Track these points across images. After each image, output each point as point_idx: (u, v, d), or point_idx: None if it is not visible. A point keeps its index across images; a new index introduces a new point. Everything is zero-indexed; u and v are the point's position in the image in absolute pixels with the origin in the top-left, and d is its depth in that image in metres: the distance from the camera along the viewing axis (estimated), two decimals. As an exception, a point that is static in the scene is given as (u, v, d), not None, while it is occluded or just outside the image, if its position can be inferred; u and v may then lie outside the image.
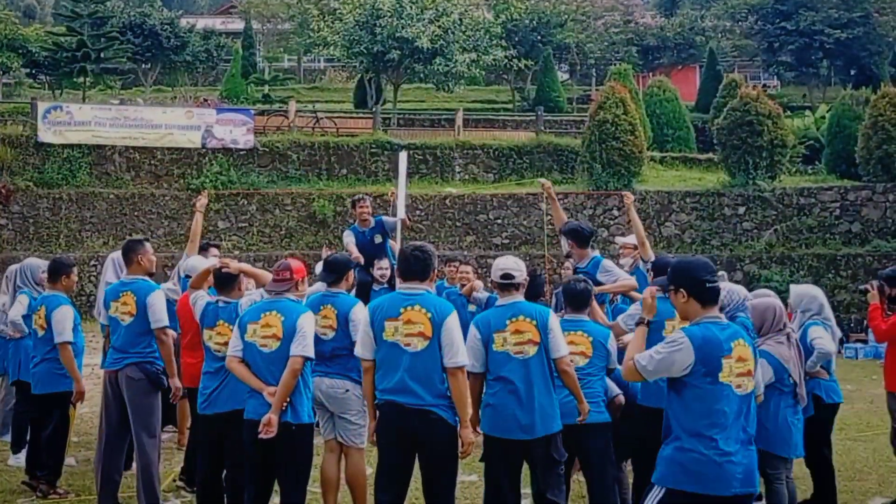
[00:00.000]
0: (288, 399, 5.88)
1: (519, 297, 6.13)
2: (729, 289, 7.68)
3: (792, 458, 6.82)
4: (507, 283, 6.07)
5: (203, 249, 9.10)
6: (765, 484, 6.92)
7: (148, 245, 7.43)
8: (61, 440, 7.84)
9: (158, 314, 7.10)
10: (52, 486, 7.70)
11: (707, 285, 4.88)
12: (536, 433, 5.88)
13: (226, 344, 6.40)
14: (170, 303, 7.76)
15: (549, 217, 8.80)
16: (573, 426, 6.30)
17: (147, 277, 7.30)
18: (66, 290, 7.87)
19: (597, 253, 7.73)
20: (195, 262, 7.97)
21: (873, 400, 12.68)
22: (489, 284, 8.36)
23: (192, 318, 7.15)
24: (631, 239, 8.87)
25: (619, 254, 9.62)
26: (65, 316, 7.57)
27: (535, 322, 5.95)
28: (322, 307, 6.67)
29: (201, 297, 6.84)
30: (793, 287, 7.92)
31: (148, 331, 7.08)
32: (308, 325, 5.99)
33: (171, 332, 7.23)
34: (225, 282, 6.77)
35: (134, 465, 7.25)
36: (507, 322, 5.96)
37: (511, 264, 6.12)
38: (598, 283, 7.43)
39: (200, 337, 6.89)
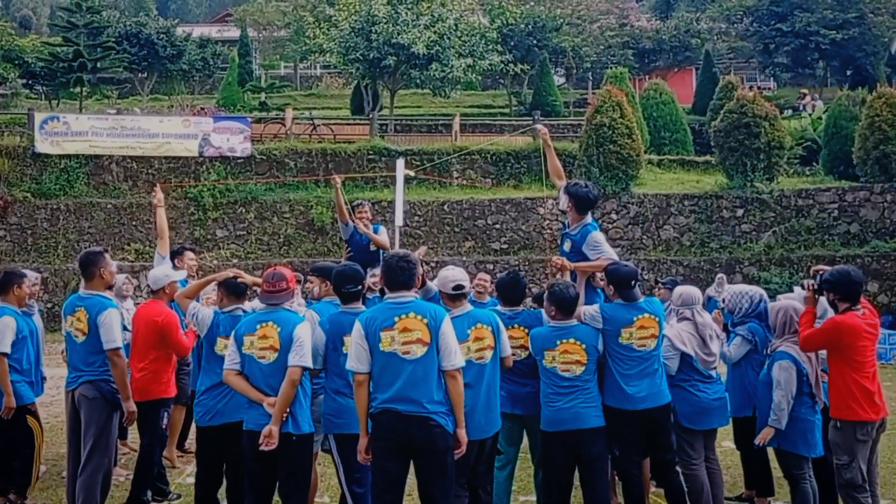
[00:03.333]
0: (288, 409, 5.87)
1: (469, 305, 6.42)
2: (735, 292, 7.69)
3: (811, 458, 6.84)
4: (459, 294, 6.32)
5: (178, 253, 8.85)
6: (790, 485, 6.93)
7: (108, 257, 7.15)
8: (26, 450, 7.66)
9: (110, 334, 6.78)
10: (21, 495, 7.62)
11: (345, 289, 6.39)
12: (491, 431, 6.28)
13: None
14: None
15: (545, 160, 8.36)
16: (574, 431, 6.40)
17: (106, 292, 7.08)
18: (18, 302, 7.67)
19: (591, 220, 7.45)
20: (159, 274, 7.81)
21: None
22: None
23: (154, 328, 7.19)
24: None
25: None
26: (6, 326, 7.39)
27: (490, 328, 6.27)
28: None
29: (202, 309, 6.72)
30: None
31: (101, 349, 6.81)
32: (305, 334, 5.98)
33: (123, 353, 6.90)
34: (240, 291, 6.72)
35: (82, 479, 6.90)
36: (469, 331, 6.17)
37: (460, 276, 6.37)
38: (582, 254, 7.35)
39: (155, 349, 7.02)
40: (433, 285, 6.77)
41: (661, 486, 7.26)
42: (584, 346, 6.52)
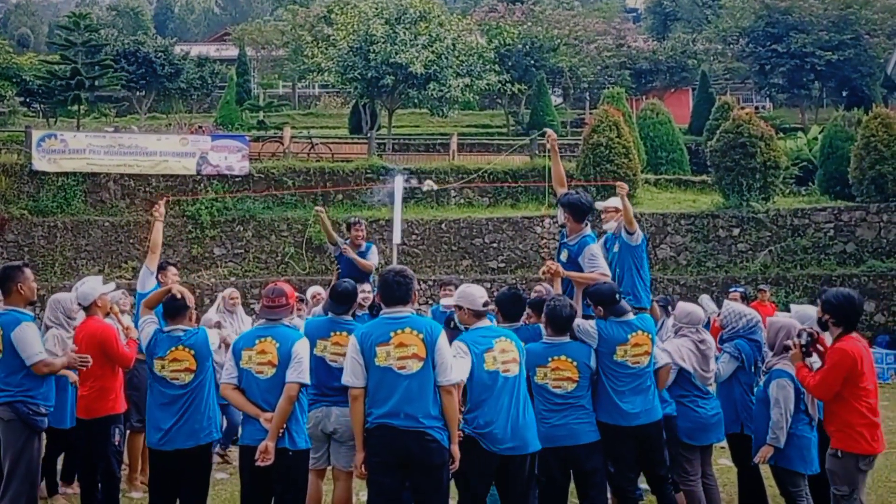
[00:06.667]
0: (284, 425, 5.87)
1: (488, 321, 6.41)
2: (733, 310, 7.71)
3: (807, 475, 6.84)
4: (487, 310, 6.32)
5: (161, 269, 8.77)
6: (787, 503, 6.92)
7: (27, 271, 6.89)
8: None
9: (30, 348, 6.52)
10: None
11: None
12: (525, 450, 6.15)
13: (184, 371, 6.29)
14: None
15: (550, 169, 8.44)
16: (569, 448, 6.41)
17: (25, 308, 6.77)
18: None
19: (589, 231, 7.53)
20: (86, 289, 7.68)
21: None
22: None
23: (94, 344, 7.15)
24: (612, 202, 8.59)
25: (602, 219, 9.38)
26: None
27: (513, 342, 6.26)
28: (333, 333, 6.71)
29: (149, 325, 6.49)
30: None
31: (19, 368, 6.55)
32: (304, 351, 5.99)
33: (51, 359, 6.69)
34: (177, 311, 6.48)
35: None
36: (494, 342, 6.17)
37: (482, 291, 6.35)
38: (578, 265, 7.35)
39: (99, 366, 7.00)
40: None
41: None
42: (575, 363, 6.53)
